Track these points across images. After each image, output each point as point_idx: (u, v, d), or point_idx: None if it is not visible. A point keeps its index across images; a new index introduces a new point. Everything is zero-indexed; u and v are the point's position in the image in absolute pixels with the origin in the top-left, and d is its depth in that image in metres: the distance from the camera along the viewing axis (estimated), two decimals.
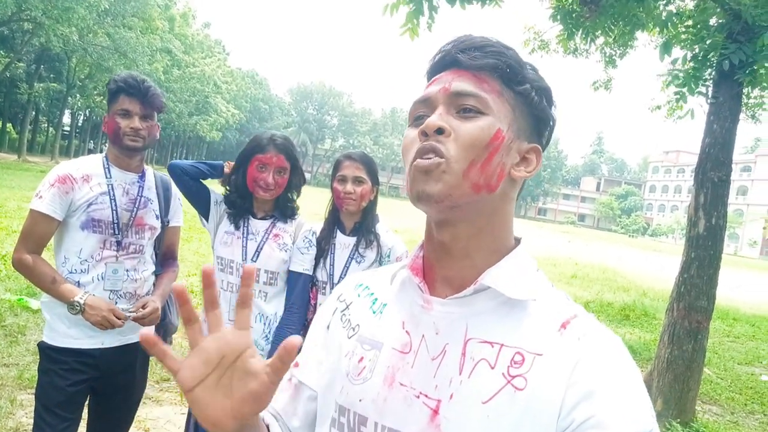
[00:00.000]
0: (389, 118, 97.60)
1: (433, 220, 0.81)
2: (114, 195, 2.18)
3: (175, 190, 2.43)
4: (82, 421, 2.24)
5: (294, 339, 0.65)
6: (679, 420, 4.41)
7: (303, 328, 2.37)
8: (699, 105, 5.42)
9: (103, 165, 2.20)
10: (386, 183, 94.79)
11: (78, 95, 39.88)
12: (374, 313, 0.88)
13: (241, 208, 2.38)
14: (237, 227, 2.36)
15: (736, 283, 20.33)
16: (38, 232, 2.10)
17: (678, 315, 4.66)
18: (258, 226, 2.37)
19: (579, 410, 0.67)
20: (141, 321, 2.14)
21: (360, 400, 0.80)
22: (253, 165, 2.28)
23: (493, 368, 0.73)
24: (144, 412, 3.82)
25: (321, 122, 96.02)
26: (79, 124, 52.78)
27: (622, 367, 0.70)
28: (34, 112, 41.84)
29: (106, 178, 2.18)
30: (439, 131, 0.76)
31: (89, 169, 2.16)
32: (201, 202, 2.41)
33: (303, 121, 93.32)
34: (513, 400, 0.70)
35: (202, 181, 2.40)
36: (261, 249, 2.31)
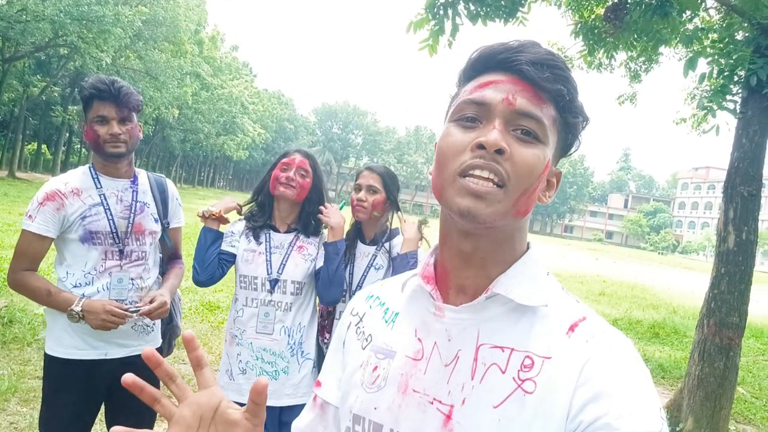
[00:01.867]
0: (413, 137, 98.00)
1: (460, 229, 0.79)
2: (107, 204, 2.13)
3: (172, 191, 2.40)
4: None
5: (261, 380, 0.70)
6: None
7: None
8: (725, 122, 5.38)
9: (91, 176, 2.15)
10: (410, 201, 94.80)
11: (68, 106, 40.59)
12: (386, 322, 0.89)
13: (261, 219, 2.42)
14: (258, 242, 2.37)
15: (755, 298, 19.73)
16: (32, 251, 2.07)
17: (709, 331, 4.56)
18: (281, 239, 2.39)
19: (587, 412, 0.67)
20: (149, 315, 2.10)
21: (375, 408, 0.82)
22: (277, 168, 2.34)
23: (503, 373, 0.74)
24: (163, 427, 3.87)
25: (345, 141, 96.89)
26: (83, 135, 53.69)
27: (630, 369, 0.70)
28: (68, 134, 42.99)
29: (96, 188, 2.13)
30: (499, 152, 0.73)
31: (77, 183, 2.12)
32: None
33: (328, 140, 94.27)
34: (523, 404, 0.71)
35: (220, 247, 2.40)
36: (286, 261, 2.34)
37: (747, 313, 4.60)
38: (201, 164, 70.39)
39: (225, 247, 2.38)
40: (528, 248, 0.84)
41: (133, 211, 2.20)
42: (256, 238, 2.39)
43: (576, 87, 0.77)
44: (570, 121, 0.78)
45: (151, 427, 2.39)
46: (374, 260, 2.40)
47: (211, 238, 2.33)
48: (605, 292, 15.28)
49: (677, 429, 4.56)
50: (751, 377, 7.48)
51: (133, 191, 2.23)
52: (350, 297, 2.39)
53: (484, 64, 0.79)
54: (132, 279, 2.19)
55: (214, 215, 2.34)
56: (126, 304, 2.11)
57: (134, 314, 2.07)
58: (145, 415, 2.34)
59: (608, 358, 0.70)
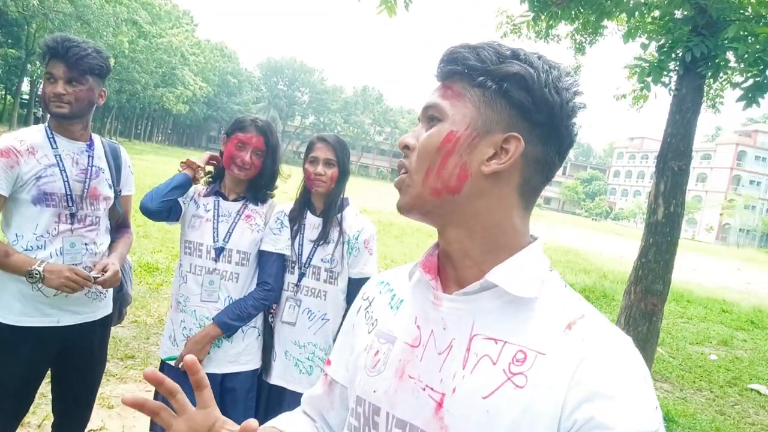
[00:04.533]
0: (360, 96, 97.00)
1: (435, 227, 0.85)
2: (63, 166, 2.08)
3: (125, 158, 2.37)
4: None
5: (251, 423, 0.74)
6: None
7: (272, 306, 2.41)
8: (654, 95, 5.58)
9: (47, 135, 2.09)
10: (356, 162, 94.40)
11: (38, 62, 38.30)
12: (392, 308, 0.93)
13: (212, 185, 2.41)
14: (206, 208, 2.34)
15: (692, 266, 21.09)
16: None
17: (635, 298, 4.85)
18: (229, 207, 2.35)
19: (581, 411, 0.67)
20: (103, 284, 2.09)
21: (374, 391, 0.85)
22: (232, 143, 2.28)
23: (494, 364, 0.74)
24: (108, 389, 3.81)
25: (291, 98, 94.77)
26: (39, 93, 50.46)
27: (626, 368, 0.69)
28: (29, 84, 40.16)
29: (52, 148, 2.08)
30: (406, 147, 0.83)
31: (33, 141, 2.06)
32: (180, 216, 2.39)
33: (273, 97, 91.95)
34: (513, 398, 0.71)
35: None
36: (233, 230, 2.31)
37: (671, 281, 4.91)
38: (138, 117, 67.05)
39: (179, 199, 2.35)
40: (532, 241, 0.83)
41: (88, 176, 2.16)
42: (204, 204, 2.35)
43: (482, 57, 0.78)
44: (474, 84, 0.79)
45: (96, 392, 2.39)
46: (324, 233, 2.38)
47: (180, 180, 2.28)
48: None
49: None
50: (670, 338, 8.04)
51: (89, 155, 2.18)
52: (299, 270, 2.39)
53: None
54: (86, 244, 2.15)
55: (192, 166, 2.31)
56: (82, 269, 2.07)
57: (92, 281, 2.05)
58: (95, 378, 2.37)
59: (604, 357, 0.70)
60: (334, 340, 2.36)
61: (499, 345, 0.75)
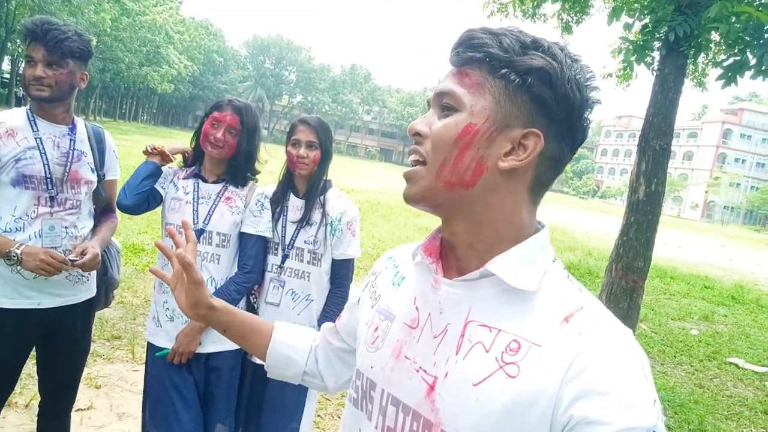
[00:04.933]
0: (348, 75, 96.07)
1: (439, 216, 0.84)
2: (44, 149, 2.08)
3: (109, 142, 2.37)
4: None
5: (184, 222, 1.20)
6: None
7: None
8: (645, 73, 5.61)
9: (28, 117, 2.09)
10: (345, 141, 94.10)
11: (18, 41, 37.45)
12: (393, 285, 0.94)
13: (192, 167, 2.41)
14: (185, 190, 2.34)
15: (677, 243, 21.38)
16: None
17: (616, 275, 4.93)
18: (209, 189, 2.36)
19: (577, 407, 0.66)
20: (82, 268, 2.09)
21: (372, 367, 0.88)
22: (207, 122, 2.28)
23: (487, 352, 0.74)
24: (95, 369, 3.84)
25: (278, 77, 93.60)
26: (20, 72, 49.46)
27: (623, 362, 0.68)
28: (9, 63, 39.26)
29: (33, 131, 2.07)
30: (417, 134, 0.81)
31: (13, 122, 2.05)
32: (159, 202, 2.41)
33: (260, 76, 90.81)
34: (504, 387, 0.71)
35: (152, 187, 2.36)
36: (212, 212, 2.31)
37: (651, 258, 4.99)
38: (122, 96, 65.92)
39: (156, 186, 2.35)
40: (538, 230, 0.82)
41: (69, 159, 2.15)
42: (184, 186, 2.36)
43: (505, 46, 0.75)
44: (497, 76, 0.76)
45: (80, 374, 2.41)
46: (307, 215, 2.40)
47: (148, 170, 2.30)
48: None
49: None
50: (652, 314, 8.20)
51: (71, 139, 2.17)
52: (282, 251, 2.41)
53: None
54: (66, 227, 2.14)
55: (157, 149, 2.31)
56: (61, 252, 2.07)
57: (70, 265, 2.06)
58: (79, 362, 2.38)
59: (600, 352, 0.69)
60: (318, 321, 2.42)
61: (493, 333, 0.75)
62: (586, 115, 0.79)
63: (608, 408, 0.64)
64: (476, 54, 0.76)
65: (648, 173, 4.93)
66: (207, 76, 75.97)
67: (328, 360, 1.12)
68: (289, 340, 1.14)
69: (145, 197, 2.29)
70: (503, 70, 0.75)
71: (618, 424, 0.63)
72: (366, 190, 21.50)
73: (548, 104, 0.75)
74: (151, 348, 2.34)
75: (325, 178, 2.45)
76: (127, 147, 24.71)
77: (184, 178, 2.38)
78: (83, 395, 3.40)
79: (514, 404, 0.70)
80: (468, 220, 0.80)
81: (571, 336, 0.71)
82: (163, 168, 2.38)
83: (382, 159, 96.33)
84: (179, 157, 2.45)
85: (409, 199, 0.81)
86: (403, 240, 11.54)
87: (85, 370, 2.48)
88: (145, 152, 2.33)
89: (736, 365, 6.33)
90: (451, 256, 0.84)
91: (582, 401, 0.66)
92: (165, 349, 2.26)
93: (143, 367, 2.46)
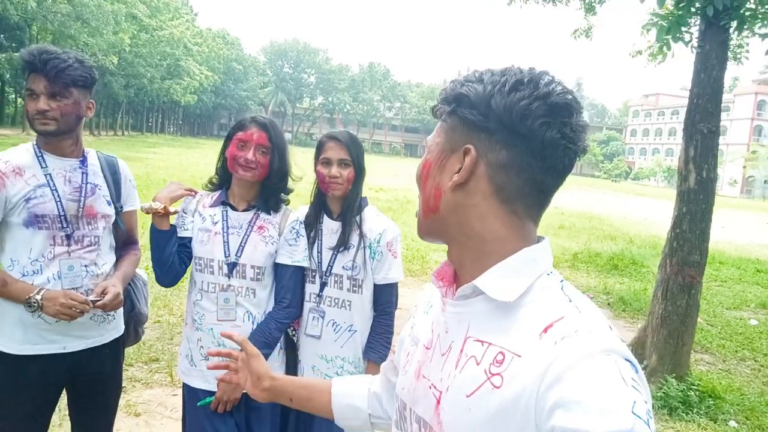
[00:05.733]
0: (367, 74, 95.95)
1: None
2: (55, 186, 1.97)
3: (125, 171, 2.23)
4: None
5: (223, 333, 1.34)
6: (674, 375, 4.42)
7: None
8: (681, 51, 5.26)
9: (35, 154, 1.98)
10: (368, 140, 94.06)
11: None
12: (425, 313, 1.01)
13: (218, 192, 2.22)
14: (213, 221, 2.16)
15: (719, 224, 20.59)
16: None
17: (671, 271, 4.62)
18: (240, 218, 2.17)
19: (555, 417, 0.66)
20: (104, 308, 1.97)
21: (403, 389, 0.96)
22: (233, 144, 2.09)
23: (478, 365, 0.78)
24: (134, 395, 3.76)
25: (298, 81, 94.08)
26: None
27: (597, 370, 0.67)
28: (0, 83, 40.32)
29: (41, 167, 1.97)
30: None
31: (19, 161, 1.95)
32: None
33: (280, 81, 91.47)
34: (489, 397, 0.75)
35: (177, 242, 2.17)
36: (245, 243, 2.13)
37: (707, 250, 4.66)
38: (148, 110, 67.17)
39: (180, 233, 2.17)
40: (527, 245, 0.83)
41: (83, 194, 2.04)
42: (211, 216, 2.17)
43: (451, 91, 0.86)
44: (443, 111, 0.87)
45: (113, 415, 2.30)
46: (343, 239, 2.21)
47: (164, 239, 2.10)
48: (564, 225, 15.60)
49: (641, 366, 4.68)
50: (705, 304, 7.78)
51: (83, 172, 2.06)
52: (320, 279, 2.23)
53: None
54: (85, 266, 2.03)
55: (159, 213, 2.07)
56: (83, 292, 1.98)
57: (91, 306, 1.95)
58: (111, 402, 2.27)
59: (573, 360, 0.69)
60: (363, 353, 2.23)
61: (485, 346, 0.79)
62: (528, 120, 0.79)
63: (583, 416, 0.64)
64: (436, 105, 0.89)
65: (697, 159, 4.60)
66: (228, 85, 76.74)
67: (390, 397, 1.15)
68: (347, 390, 1.22)
69: (179, 262, 2.14)
70: (445, 108, 0.86)
71: (596, 430, 0.62)
72: (394, 188, 21.29)
73: (475, 121, 0.82)
74: (187, 389, 2.18)
75: (360, 196, 2.26)
76: (156, 160, 25.15)
77: (210, 206, 2.20)
78: (123, 424, 3.32)
79: (497, 413, 0.73)
80: (454, 243, 0.88)
81: (548, 346, 0.72)
82: (179, 207, 2.19)
83: (407, 154, 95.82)
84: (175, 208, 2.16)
85: (418, 235, 0.94)
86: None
87: (124, 397, 2.37)
88: (145, 211, 2.07)
89: None
90: (458, 277, 0.90)
91: (559, 411, 0.66)
92: (207, 397, 2.08)
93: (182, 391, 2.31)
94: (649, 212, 21.53)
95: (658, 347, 4.60)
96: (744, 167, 67.91)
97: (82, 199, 2.03)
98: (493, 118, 0.80)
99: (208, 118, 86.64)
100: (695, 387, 4.38)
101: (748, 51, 6.95)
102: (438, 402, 0.83)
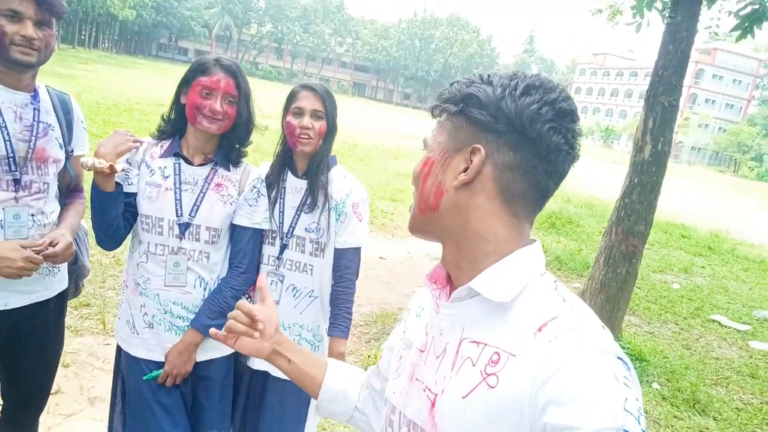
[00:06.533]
0: (320, 4, 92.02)
1: None
2: (4, 122, 1.73)
3: (77, 112, 1.99)
4: None
5: (260, 281, 1.18)
6: None
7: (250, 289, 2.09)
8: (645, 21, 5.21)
9: None
10: (317, 74, 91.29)
11: None
12: (417, 316, 1.01)
13: (170, 140, 1.96)
14: (164, 174, 1.91)
15: None
16: None
17: (616, 239, 4.74)
18: (195, 173, 1.93)
19: (548, 414, 0.68)
20: (54, 259, 1.77)
21: (394, 392, 0.96)
22: (194, 91, 1.83)
23: (474, 366, 0.79)
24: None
25: (247, 4, 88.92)
26: None
27: (589, 368, 0.69)
28: None
29: None
30: None
31: None
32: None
33: (227, 2, 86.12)
34: (486, 397, 0.76)
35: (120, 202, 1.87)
36: (200, 202, 1.92)
37: (653, 221, 4.80)
38: (81, 21, 62.02)
39: (125, 188, 1.89)
40: (524, 246, 0.84)
41: (34, 134, 1.81)
42: (161, 168, 1.92)
43: (454, 90, 0.87)
44: (449, 110, 0.88)
45: (54, 375, 2.13)
46: (308, 197, 2.05)
47: (109, 201, 1.80)
48: None
49: None
50: None
51: (35, 108, 1.82)
52: (281, 240, 2.07)
53: None
54: (32, 215, 1.82)
55: (104, 171, 1.69)
56: (31, 245, 1.75)
57: (41, 261, 1.74)
58: (53, 360, 2.10)
59: (567, 358, 0.70)
60: (327, 330, 2.11)
61: (480, 347, 0.80)
62: (538, 123, 0.80)
63: (575, 413, 0.65)
64: (439, 105, 0.90)
65: (655, 131, 4.65)
66: (170, 2, 71.84)
67: (373, 402, 1.15)
68: (345, 374, 1.18)
69: (123, 224, 1.89)
70: (451, 108, 0.87)
71: (585, 427, 0.64)
72: (341, 129, 20.82)
73: (484, 121, 0.83)
74: (126, 356, 1.99)
75: (329, 154, 2.10)
76: (88, 79, 23.34)
77: (160, 157, 1.94)
78: None
79: (494, 413, 0.74)
80: (450, 243, 0.87)
81: (542, 345, 0.73)
82: (122, 158, 1.83)
83: (355, 93, 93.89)
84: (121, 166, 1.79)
85: (408, 228, 0.94)
86: (383, 187, 11.21)
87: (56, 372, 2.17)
88: (85, 167, 1.70)
89: (719, 323, 6.35)
90: (451, 280, 0.90)
91: (551, 407, 0.68)
92: (154, 370, 1.92)
93: (114, 339, 2.12)
94: (586, 171, 22.13)
95: (595, 312, 4.74)
96: (675, 133, 70.95)
97: (33, 139, 1.80)
98: (502, 120, 0.82)
99: (147, 36, 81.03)
100: (626, 350, 4.59)
101: (718, 26, 7.03)
102: (433, 405, 0.84)
